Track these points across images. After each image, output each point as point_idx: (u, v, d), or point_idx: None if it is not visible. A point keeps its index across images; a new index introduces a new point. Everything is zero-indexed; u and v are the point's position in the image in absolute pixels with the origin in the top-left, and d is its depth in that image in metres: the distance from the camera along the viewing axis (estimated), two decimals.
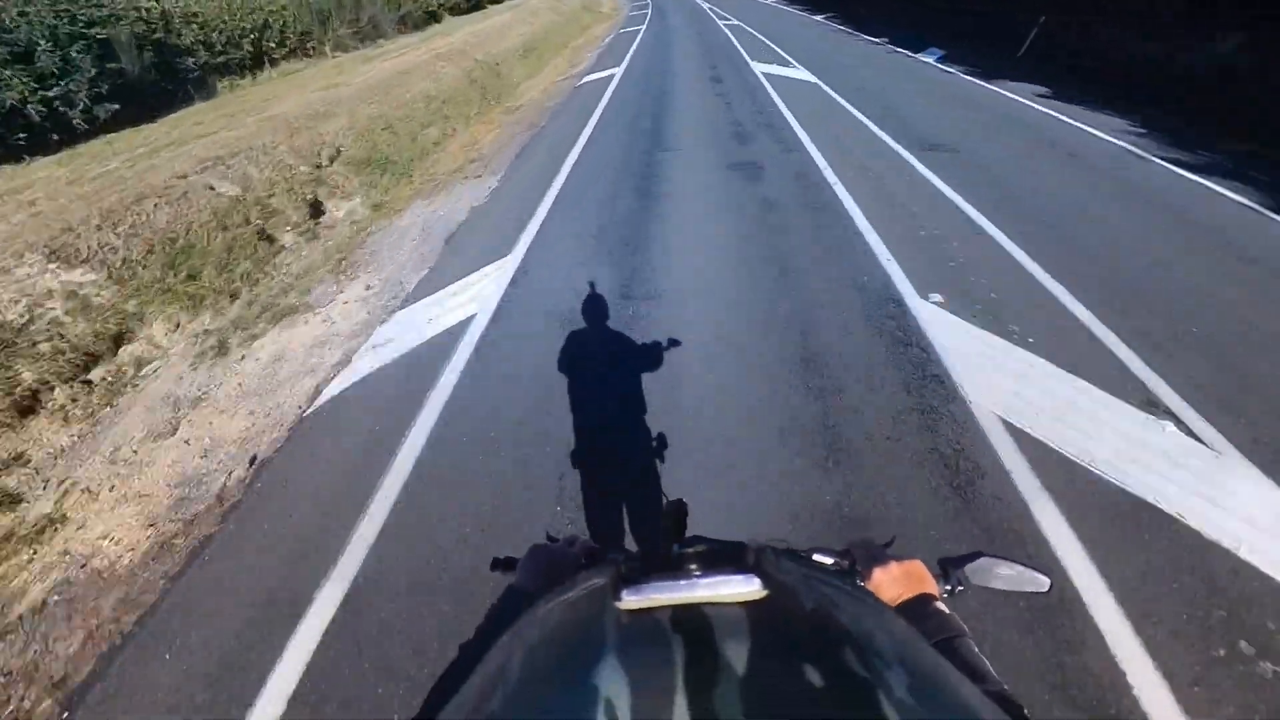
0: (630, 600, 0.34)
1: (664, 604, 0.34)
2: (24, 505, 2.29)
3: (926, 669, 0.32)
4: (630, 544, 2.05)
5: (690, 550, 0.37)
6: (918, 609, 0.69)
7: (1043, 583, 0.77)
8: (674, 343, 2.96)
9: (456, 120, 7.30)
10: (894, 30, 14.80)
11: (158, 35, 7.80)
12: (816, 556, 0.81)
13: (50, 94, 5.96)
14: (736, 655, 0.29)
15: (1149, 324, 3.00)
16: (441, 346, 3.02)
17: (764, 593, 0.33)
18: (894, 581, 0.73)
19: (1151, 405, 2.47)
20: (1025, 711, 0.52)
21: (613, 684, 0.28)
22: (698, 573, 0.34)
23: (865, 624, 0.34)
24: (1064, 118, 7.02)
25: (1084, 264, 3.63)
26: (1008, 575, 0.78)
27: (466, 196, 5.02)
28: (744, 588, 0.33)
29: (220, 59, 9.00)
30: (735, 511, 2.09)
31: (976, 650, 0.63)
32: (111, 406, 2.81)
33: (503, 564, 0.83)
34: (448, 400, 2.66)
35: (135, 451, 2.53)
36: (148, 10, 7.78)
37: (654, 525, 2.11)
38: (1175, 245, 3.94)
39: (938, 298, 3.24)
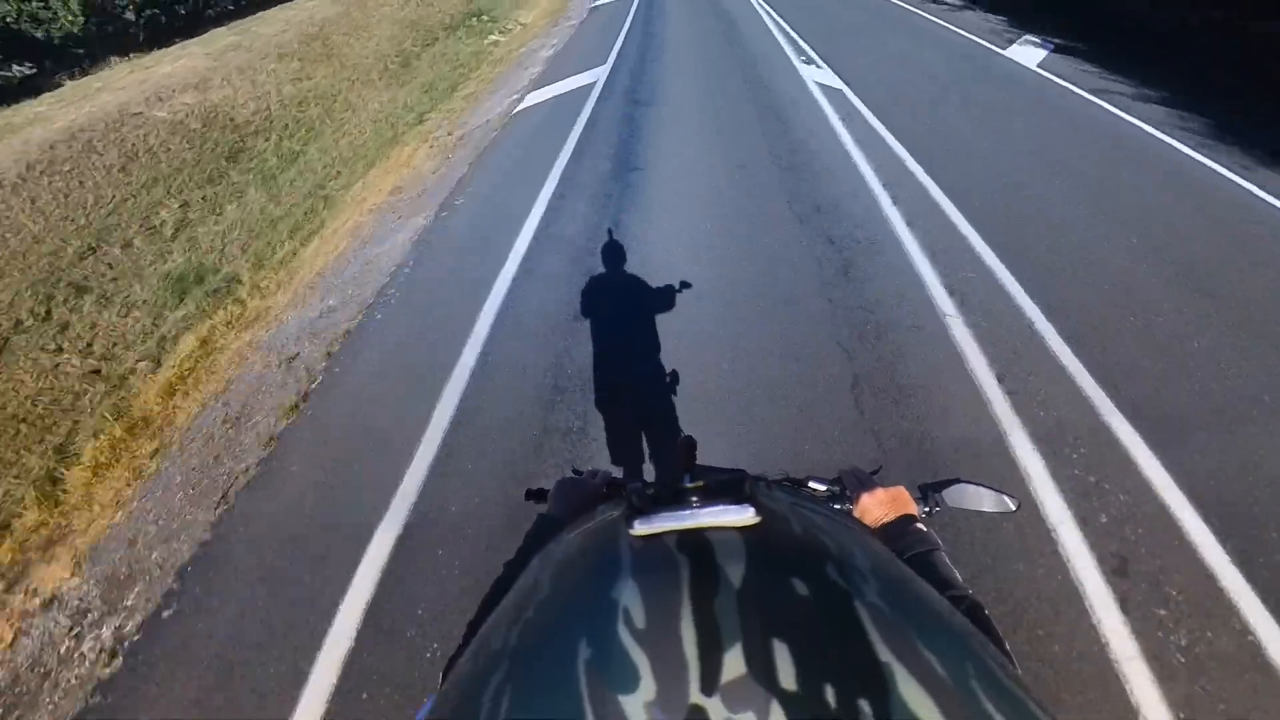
0: (641, 528, 0.38)
1: (671, 530, 0.38)
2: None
3: (896, 579, 0.37)
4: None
5: (694, 485, 0.42)
6: (899, 528, 0.78)
7: (1010, 504, 0.85)
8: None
9: None
10: None
11: None
12: (811, 483, 0.90)
13: None
14: (734, 572, 0.34)
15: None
16: None
17: (757, 519, 0.38)
18: (879, 504, 0.82)
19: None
20: (985, 612, 0.60)
21: (629, 597, 0.34)
22: (700, 504, 0.39)
23: (845, 543, 0.39)
24: None
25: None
26: (979, 498, 0.86)
27: None
28: (740, 516, 0.38)
29: None
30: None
31: (948, 562, 0.72)
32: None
33: (535, 495, 0.94)
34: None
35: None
36: None
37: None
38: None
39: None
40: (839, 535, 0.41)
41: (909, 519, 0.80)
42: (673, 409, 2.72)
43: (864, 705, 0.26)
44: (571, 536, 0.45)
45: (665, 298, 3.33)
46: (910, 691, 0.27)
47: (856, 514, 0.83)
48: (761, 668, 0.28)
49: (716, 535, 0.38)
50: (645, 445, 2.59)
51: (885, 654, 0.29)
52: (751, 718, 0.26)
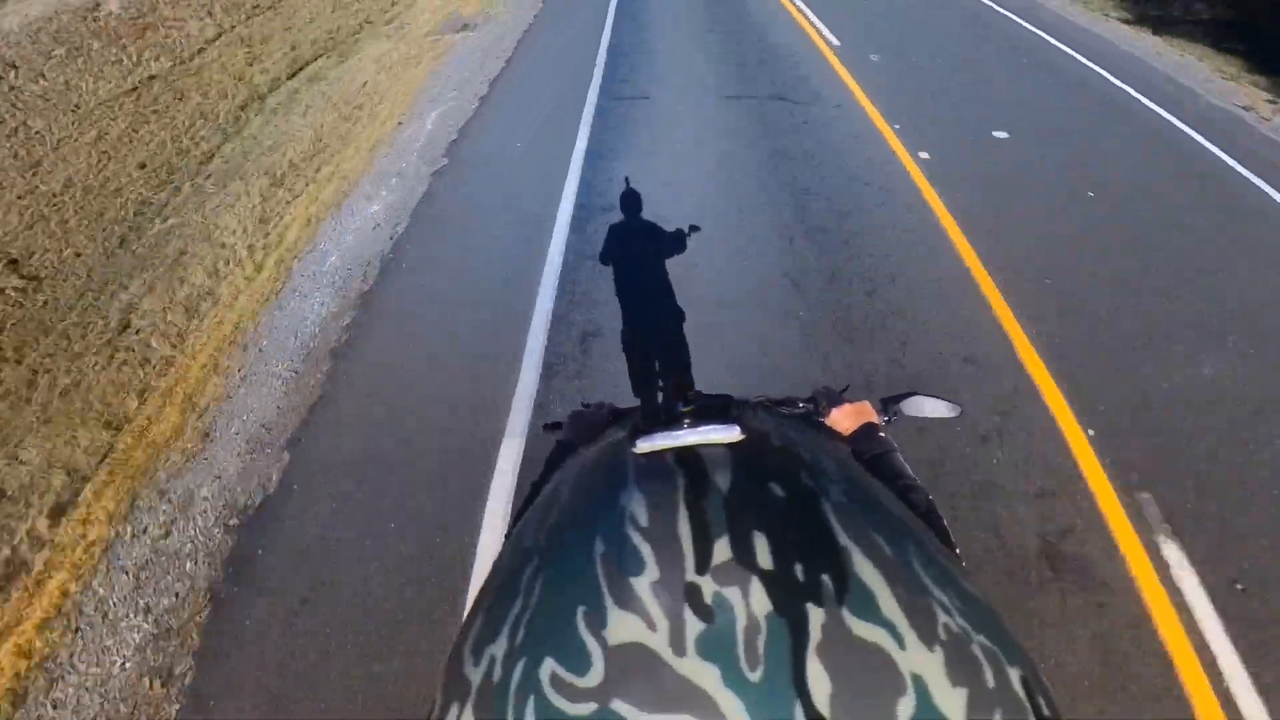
0: (643, 446, 0.44)
1: (668, 447, 0.44)
2: None
3: (856, 480, 0.44)
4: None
5: (687, 409, 0.48)
6: (864, 434, 0.92)
7: (955, 410, 0.99)
8: None
9: None
10: None
11: None
12: (789, 402, 1.02)
13: None
14: (722, 479, 0.41)
15: None
16: None
17: (742, 436, 0.44)
18: (846, 416, 0.96)
19: None
20: (929, 497, 0.72)
21: (634, 502, 0.40)
22: (692, 424, 0.45)
23: (815, 453, 0.46)
24: None
25: None
26: (929, 406, 1.01)
27: None
28: (727, 433, 0.44)
29: None
30: None
31: (902, 460, 0.86)
32: None
33: (552, 426, 1.10)
34: None
35: None
36: None
37: None
38: None
39: None
40: (811, 446, 0.47)
41: (872, 427, 0.94)
42: None
43: (825, 579, 0.33)
44: (586, 454, 0.51)
45: None
46: (863, 567, 0.35)
47: (828, 425, 0.95)
48: (744, 553, 0.35)
49: (707, 450, 0.44)
50: None
51: (844, 539, 0.36)
52: (736, 591, 0.33)
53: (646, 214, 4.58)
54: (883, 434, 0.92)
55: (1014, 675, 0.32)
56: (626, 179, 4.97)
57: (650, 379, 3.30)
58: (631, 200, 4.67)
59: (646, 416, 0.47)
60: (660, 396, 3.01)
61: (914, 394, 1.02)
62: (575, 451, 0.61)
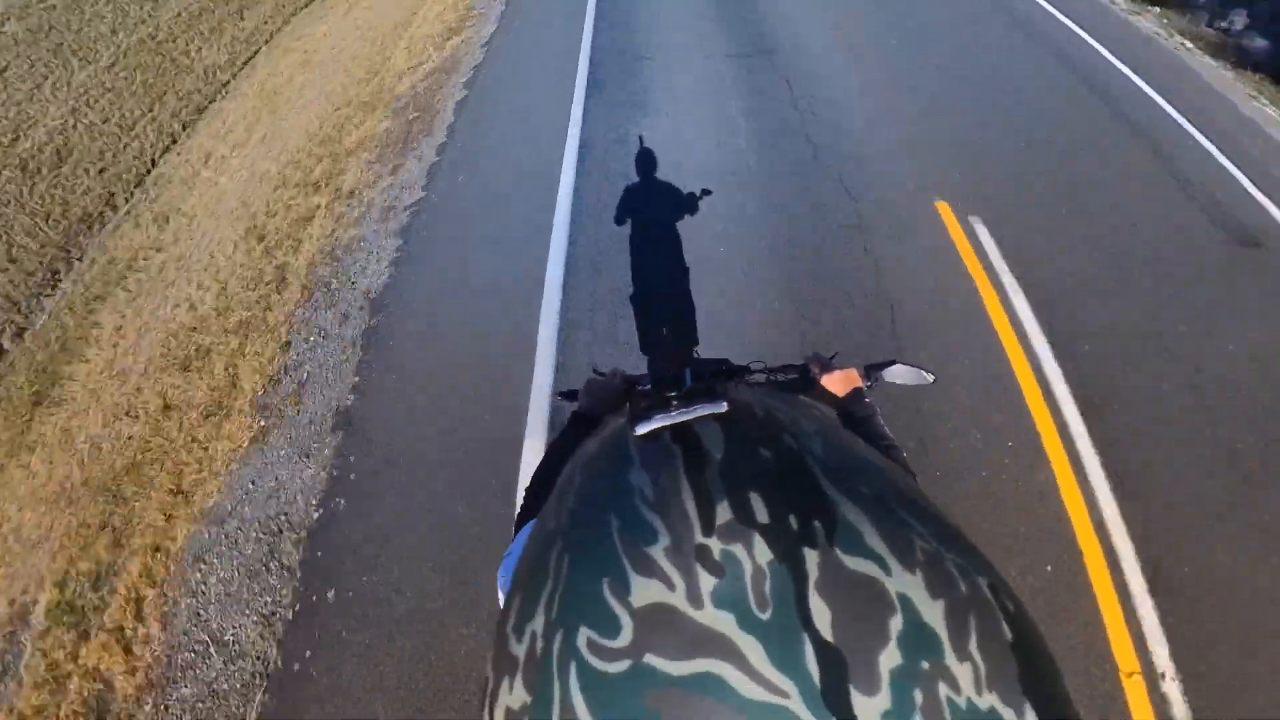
0: (642, 429, 0.48)
1: (664, 427, 0.48)
2: None
3: (835, 437, 0.48)
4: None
5: (675, 394, 0.52)
6: (852, 398, 0.99)
7: (930, 378, 1.05)
8: None
9: None
10: None
11: None
12: (784, 369, 1.11)
13: None
14: (715, 449, 0.44)
15: None
16: None
17: (727, 409, 0.48)
18: (835, 382, 1.03)
19: None
20: (904, 454, 0.78)
21: (640, 480, 0.43)
22: (683, 405, 0.49)
23: (795, 416, 0.50)
24: None
25: None
26: (907, 374, 1.09)
27: None
28: (715, 409, 0.48)
29: None
30: None
31: (882, 421, 0.93)
32: None
33: (567, 395, 1.15)
34: None
35: None
36: None
37: None
38: None
39: None
40: (789, 410, 0.51)
41: (859, 391, 1.01)
42: None
43: (817, 524, 0.37)
44: (591, 443, 0.55)
45: None
46: (848, 510, 0.38)
47: (822, 388, 1.03)
48: (743, 512, 0.38)
49: (700, 425, 0.48)
50: None
51: (829, 489, 0.40)
52: (740, 546, 0.36)
53: None
54: (867, 399, 0.99)
55: (983, 583, 0.37)
56: None
57: (657, 343, 4.01)
58: None
59: (641, 401, 0.51)
60: (667, 355, 3.74)
61: (895, 363, 1.09)
62: (590, 420, 0.66)
